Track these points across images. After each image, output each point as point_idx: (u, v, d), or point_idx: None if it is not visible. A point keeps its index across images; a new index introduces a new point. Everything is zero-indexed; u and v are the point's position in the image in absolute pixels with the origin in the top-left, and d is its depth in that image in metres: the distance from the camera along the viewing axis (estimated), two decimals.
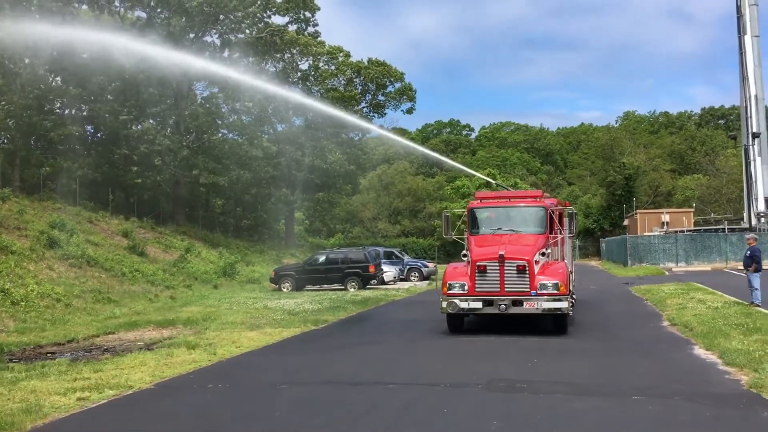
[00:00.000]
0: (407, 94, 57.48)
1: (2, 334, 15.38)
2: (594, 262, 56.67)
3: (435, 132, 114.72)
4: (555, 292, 13.27)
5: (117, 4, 42.80)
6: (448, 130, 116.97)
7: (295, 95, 45.15)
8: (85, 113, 46.60)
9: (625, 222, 60.19)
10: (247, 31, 45.33)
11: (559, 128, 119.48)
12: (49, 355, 12.84)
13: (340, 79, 57.38)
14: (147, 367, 10.87)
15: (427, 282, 34.00)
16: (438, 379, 9.56)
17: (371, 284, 29.64)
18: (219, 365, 11.21)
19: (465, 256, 14.42)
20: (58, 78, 42.80)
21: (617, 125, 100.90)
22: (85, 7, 42.00)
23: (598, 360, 10.92)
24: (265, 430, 7.39)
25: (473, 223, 15.31)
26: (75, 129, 41.24)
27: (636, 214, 56.08)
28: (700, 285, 24.16)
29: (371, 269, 29.05)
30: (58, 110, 43.80)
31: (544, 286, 13.30)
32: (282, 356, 12.10)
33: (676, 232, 45.91)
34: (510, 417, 7.37)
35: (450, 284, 13.84)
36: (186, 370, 10.72)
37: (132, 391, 9.21)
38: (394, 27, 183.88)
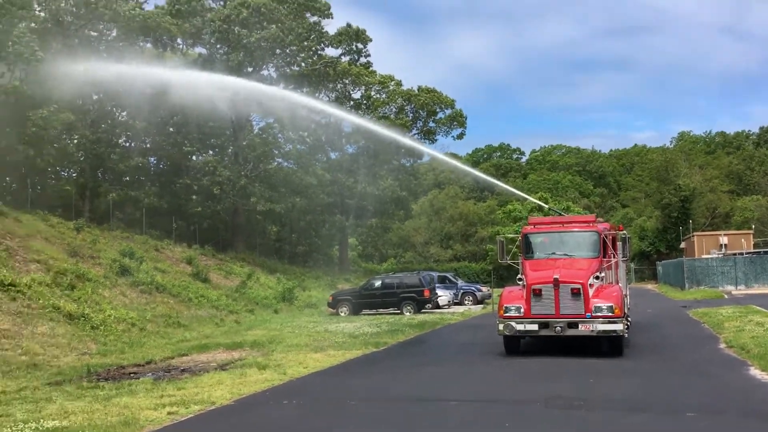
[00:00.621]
0: (458, 120, 58.25)
1: (86, 356, 16.51)
2: (650, 286, 55.95)
3: (485, 156, 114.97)
4: (610, 314, 13.65)
5: (179, 41, 44.83)
6: (499, 154, 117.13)
7: (362, 120, 46.15)
8: (148, 145, 48.83)
9: (682, 245, 59.32)
10: (303, 63, 46.81)
11: (611, 150, 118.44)
12: (132, 375, 13.83)
13: (392, 107, 58.54)
14: (224, 386, 11.71)
15: (482, 306, 34.36)
16: (498, 396, 10.12)
17: (426, 308, 30.18)
18: (290, 384, 11.98)
19: (520, 280, 14.94)
20: (124, 113, 45.05)
21: (672, 146, 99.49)
22: (149, 45, 44.11)
23: (653, 380, 11.29)
24: None
25: (527, 247, 15.81)
26: (140, 161, 43.30)
27: (693, 236, 55.27)
28: (760, 308, 23.96)
29: (426, 293, 29.62)
30: (123, 143, 46.03)
31: (599, 309, 13.70)
32: (348, 376, 12.81)
33: (735, 254, 45.13)
34: (567, 428, 7.89)
35: (506, 307, 14.36)
36: (260, 388, 11.52)
37: (215, 407, 10.03)
38: (442, 52, 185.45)
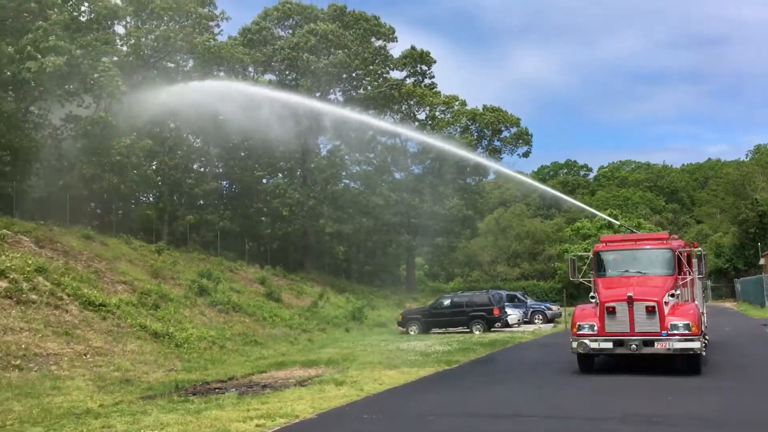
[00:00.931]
0: (523, 138, 58.12)
1: (173, 372, 17.37)
2: (728, 304, 54.15)
3: (551, 173, 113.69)
4: (686, 332, 13.56)
5: (250, 69, 46.44)
6: (565, 170, 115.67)
7: (432, 139, 46.68)
8: (220, 170, 50.65)
9: (761, 261, 57.19)
10: (368, 87, 47.74)
11: (683, 165, 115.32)
12: (217, 390, 14.51)
13: (456, 126, 58.88)
14: (305, 400, 12.22)
15: (552, 325, 34.11)
16: (574, 412, 10.27)
17: (496, 327, 30.21)
18: (368, 399, 12.39)
19: (593, 298, 14.98)
20: (198, 139, 46.95)
21: (748, 159, 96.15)
22: (222, 74, 45.93)
23: (731, 398, 11.21)
24: None
25: (599, 265, 15.84)
26: (214, 185, 44.97)
27: None
28: None
29: (495, 312, 29.67)
30: (198, 168, 47.91)
31: (674, 327, 13.62)
32: (423, 392, 13.14)
33: None
34: None
35: (579, 325, 14.44)
36: (340, 403, 11.98)
37: (299, 420, 10.53)
38: (505, 69, 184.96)
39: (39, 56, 28.24)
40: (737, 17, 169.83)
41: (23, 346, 16.13)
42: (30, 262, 21.14)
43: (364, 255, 58.81)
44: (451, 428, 9.64)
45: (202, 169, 48.20)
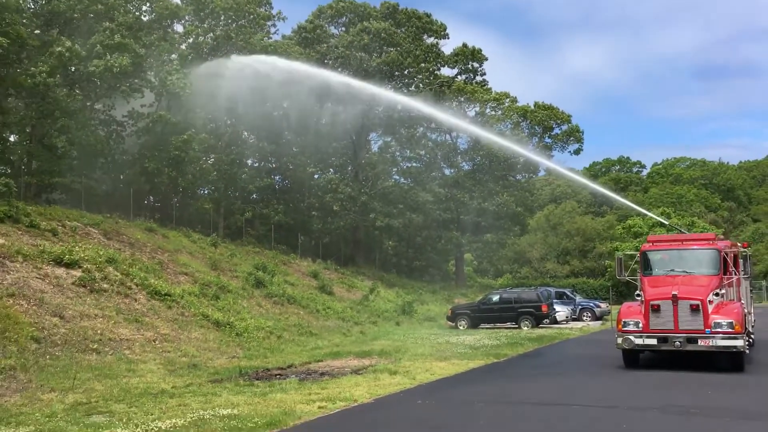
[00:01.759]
0: (574, 135, 57.88)
1: (235, 359, 18.45)
2: None
3: (603, 170, 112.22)
4: (730, 330, 13.92)
5: None
6: (617, 167, 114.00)
7: (488, 133, 46.98)
8: (273, 165, 52.02)
9: None
10: (420, 84, 48.36)
11: (741, 162, 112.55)
12: (278, 376, 15.47)
13: (507, 123, 58.96)
14: (362, 387, 13.05)
15: (600, 322, 34.28)
16: (617, 402, 10.85)
17: (544, 323, 30.59)
18: (420, 387, 13.16)
19: (638, 295, 15.44)
20: (252, 135, 48.34)
21: None
22: None
23: None
24: (475, 430, 9.16)
25: (646, 264, 16.25)
26: (268, 181, 46.28)
27: None
28: None
29: (544, 309, 30.05)
30: (253, 163, 49.35)
31: (718, 325, 14.00)
32: (473, 382, 13.84)
33: None
34: (683, 430, 8.61)
35: (624, 322, 14.92)
36: (394, 390, 12.77)
37: (357, 404, 11.37)
38: (557, 64, 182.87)
39: (107, 54, 29.77)
40: None
41: (99, 331, 17.40)
42: (101, 253, 22.57)
43: (414, 250, 59.49)
44: (499, 414, 10.34)
45: (256, 164, 49.65)
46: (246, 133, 48.25)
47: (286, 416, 10.09)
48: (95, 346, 16.34)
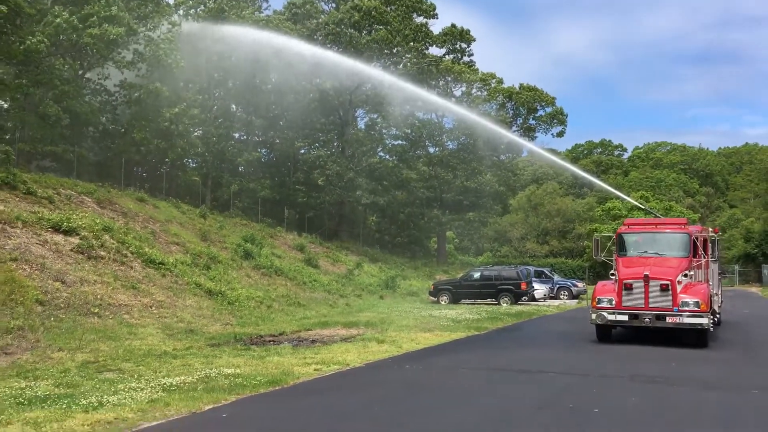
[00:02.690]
0: (558, 118, 58.93)
1: (228, 326, 19.29)
2: (755, 288, 54.79)
3: (585, 152, 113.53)
4: (696, 309, 14.97)
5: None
6: (599, 150, 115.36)
7: (471, 113, 47.78)
8: (260, 138, 52.51)
9: None
10: (408, 63, 48.91)
11: (720, 148, 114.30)
12: (271, 342, 16.34)
13: (492, 104, 59.83)
14: (352, 353, 13.95)
15: (577, 301, 35.50)
16: (589, 371, 11.87)
17: (522, 300, 31.67)
18: (407, 354, 14.09)
19: (613, 275, 16.47)
20: (240, 108, 48.76)
21: None
22: None
23: (731, 367, 12.68)
24: (460, 390, 10.06)
25: (621, 246, 17.26)
26: (256, 154, 46.78)
27: None
28: None
29: (523, 286, 31.14)
30: (241, 137, 49.78)
31: (685, 304, 15.05)
32: (456, 351, 14.81)
33: None
34: (645, 397, 9.59)
35: (599, 299, 15.95)
36: (383, 356, 13.69)
37: (350, 367, 12.27)
38: (542, 45, 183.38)
39: (105, 24, 29.99)
40: None
41: (98, 296, 18.12)
42: (97, 221, 23.19)
43: (396, 227, 60.43)
44: (481, 378, 11.29)
45: (243, 137, 50.09)
46: (234, 106, 48.70)
47: (285, 376, 10.95)
48: (96, 310, 17.07)
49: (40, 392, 9.60)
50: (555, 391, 10.12)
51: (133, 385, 10.12)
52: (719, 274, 20.94)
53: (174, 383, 10.19)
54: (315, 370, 11.79)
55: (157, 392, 9.55)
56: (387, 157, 55.91)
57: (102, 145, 37.65)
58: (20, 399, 9.14)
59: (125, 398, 9.11)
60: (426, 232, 62.17)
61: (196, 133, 42.58)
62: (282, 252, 35.13)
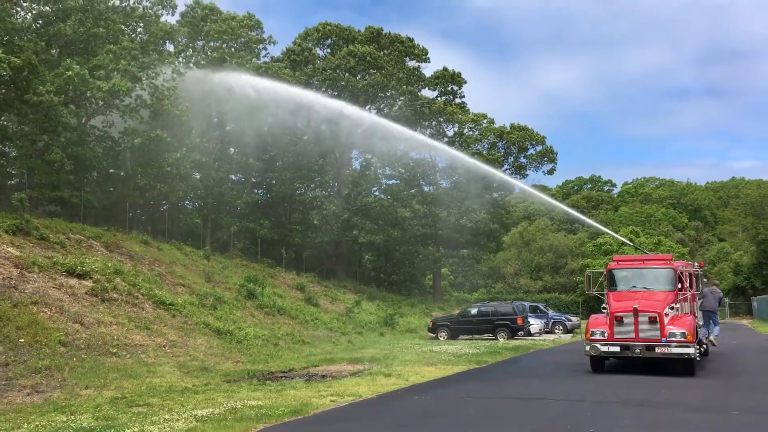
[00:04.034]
0: (548, 156, 60.42)
1: (240, 364, 20.11)
2: (745, 321, 55.80)
3: (576, 188, 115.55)
4: (683, 339, 15.99)
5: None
6: (589, 185, 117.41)
7: (463, 155, 49.18)
8: (255, 180, 53.64)
9: None
10: (402, 106, 50.46)
11: (708, 182, 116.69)
12: (283, 378, 17.18)
13: (484, 143, 61.35)
14: (362, 386, 14.84)
15: (571, 335, 36.42)
16: (585, 398, 12.83)
17: (519, 335, 32.58)
18: (415, 386, 14.99)
19: (604, 308, 17.50)
20: (236, 149, 49.93)
21: None
22: None
23: (715, 392, 13.66)
24: (467, 417, 10.99)
25: (611, 281, 18.34)
26: (255, 196, 47.87)
27: None
28: None
29: (519, 321, 32.08)
30: (240, 178, 50.90)
31: (673, 335, 16.07)
32: (460, 383, 15.71)
33: None
34: (636, 419, 10.58)
35: (592, 331, 16.98)
36: (392, 388, 14.59)
37: (363, 398, 13.17)
38: (530, 82, 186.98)
39: (114, 76, 31.27)
40: (763, 33, 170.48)
41: (115, 337, 18.96)
42: (109, 265, 24.09)
43: (392, 264, 61.36)
44: (486, 405, 12.21)
45: (242, 179, 51.21)
46: (232, 149, 49.93)
47: (305, 406, 11.86)
48: (114, 350, 17.90)
49: (84, 424, 10.47)
50: (554, 415, 11.06)
51: (167, 417, 10.99)
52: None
53: (204, 414, 11.07)
54: (331, 401, 12.68)
55: (192, 422, 10.44)
56: (382, 196, 57.11)
57: (105, 189, 38.68)
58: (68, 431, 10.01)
59: (164, 428, 10.00)
60: (421, 269, 63.13)
61: (195, 176, 43.74)
62: (283, 291, 35.97)
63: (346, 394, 13.42)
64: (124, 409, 12.08)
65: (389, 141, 48.99)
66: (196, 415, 11.04)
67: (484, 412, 11.57)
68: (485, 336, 32.30)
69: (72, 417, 11.21)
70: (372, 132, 48.84)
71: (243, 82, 38.78)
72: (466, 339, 32.12)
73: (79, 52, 33.93)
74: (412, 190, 57.61)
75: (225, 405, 12.08)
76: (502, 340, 31.00)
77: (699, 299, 19.85)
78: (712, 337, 20.25)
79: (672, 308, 16.76)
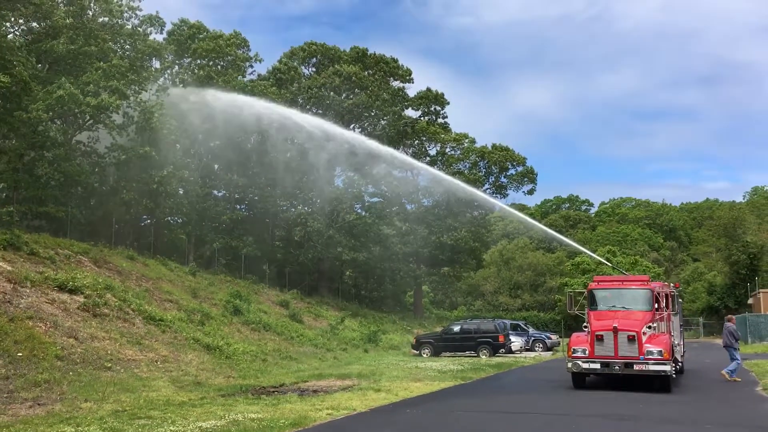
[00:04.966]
0: (528, 177, 61.55)
1: (231, 378, 20.54)
2: (719, 340, 56.98)
3: (554, 207, 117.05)
4: (659, 357, 16.77)
5: None
6: (567, 205, 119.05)
7: (444, 174, 50.01)
8: (237, 196, 53.99)
9: (750, 300, 60.24)
10: (387, 127, 51.25)
11: (682, 203, 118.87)
12: (275, 392, 17.65)
13: (466, 163, 62.35)
14: (355, 401, 15.38)
15: (551, 352, 37.19)
16: (568, 412, 13.51)
17: (500, 352, 33.25)
18: (405, 401, 15.57)
19: (585, 327, 18.25)
20: (217, 166, 50.30)
21: (745, 200, 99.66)
22: None
23: (689, 407, 14.44)
24: (458, 429, 11.63)
25: (592, 301, 19.12)
26: (239, 214, 48.26)
27: (760, 293, 56.34)
28: None
29: (501, 339, 32.79)
30: (224, 195, 51.25)
31: (650, 353, 16.84)
32: (448, 398, 16.32)
33: None
34: (618, 430, 11.24)
35: (574, 349, 17.70)
36: (383, 403, 15.15)
37: (356, 412, 13.72)
38: (507, 102, 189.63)
39: (102, 93, 31.66)
40: (734, 58, 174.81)
41: (109, 351, 19.32)
42: (99, 280, 24.44)
43: (374, 281, 61.91)
44: (474, 419, 12.83)
45: (226, 195, 51.57)
46: (216, 166, 50.30)
47: (304, 419, 12.38)
48: (109, 365, 18.26)
49: None
50: (540, 427, 11.72)
51: (173, 428, 11.46)
52: (681, 325, 22.86)
53: (209, 426, 11.56)
54: (328, 414, 13.22)
55: None
56: (365, 213, 57.69)
57: (90, 204, 38.85)
58: None
59: None
60: (401, 286, 63.75)
61: (180, 191, 44.05)
62: (267, 308, 36.34)
63: (341, 408, 13.95)
64: (128, 421, 12.51)
65: (372, 160, 49.87)
66: (200, 426, 11.52)
67: (474, 425, 12.18)
68: (467, 353, 32.93)
69: (79, 429, 11.63)
70: (355, 150, 49.69)
71: (229, 100, 39.34)
72: (448, 356, 32.72)
73: (68, 69, 34.23)
74: (395, 208, 58.34)
75: (226, 418, 12.56)
76: (484, 357, 31.66)
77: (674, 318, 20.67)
78: (723, 372, 20.40)
79: (649, 327, 17.55)
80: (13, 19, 33.77)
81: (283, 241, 51.50)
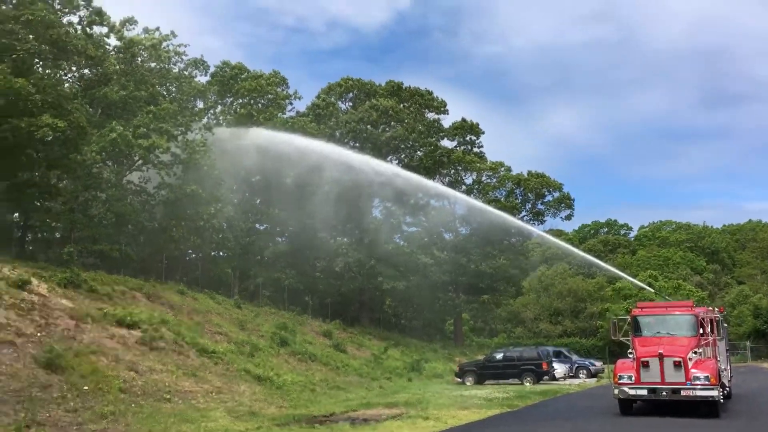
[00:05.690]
0: (565, 202, 61.56)
1: (283, 408, 21.19)
2: (765, 364, 55.88)
3: (592, 232, 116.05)
4: (707, 382, 16.95)
5: None
6: (605, 230, 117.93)
7: (482, 204, 50.55)
8: (279, 229, 55.03)
9: None
10: (423, 157, 52.03)
11: (724, 225, 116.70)
12: (327, 421, 18.23)
13: (502, 190, 62.69)
14: (405, 429, 15.92)
15: (596, 379, 37.07)
16: None
17: (544, 380, 33.35)
18: (455, 428, 16.04)
19: (631, 353, 18.52)
20: (258, 201, 51.43)
21: None
22: None
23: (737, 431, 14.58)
24: None
25: (636, 327, 19.38)
26: (282, 247, 49.28)
27: None
28: None
29: (544, 366, 32.91)
30: (266, 229, 52.35)
31: (697, 378, 17.04)
32: (496, 425, 16.73)
33: None
34: None
35: (620, 375, 17.98)
36: (433, 431, 15.61)
37: None
38: (540, 128, 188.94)
39: (152, 135, 33.00)
40: (762, 75, 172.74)
41: (166, 383, 20.16)
42: (155, 315, 25.42)
43: (413, 310, 62.23)
44: None
45: (268, 228, 52.66)
46: (258, 200, 51.53)
47: None
48: (168, 397, 19.08)
49: None
50: None
51: None
52: (727, 350, 22.87)
53: None
54: None
55: None
56: (403, 243, 58.25)
57: (140, 241, 40.18)
58: None
59: None
60: (441, 314, 63.89)
61: (224, 226, 45.23)
62: (312, 338, 37.01)
63: None
64: None
65: (410, 190, 50.66)
66: None
67: None
68: (510, 380, 33.09)
69: None
70: (393, 182, 50.48)
71: (270, 137, 40.54)
72: (492, 384, 32.91)
73: (119, 113, 35.75)
74: (433, 237, 58.79)
75: None
76: (528, 384, 31.79)
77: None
78: None
79: (695, 353, 17.75)
80: (66, 67, 35.57)
81: (324, 272, 52.27)
